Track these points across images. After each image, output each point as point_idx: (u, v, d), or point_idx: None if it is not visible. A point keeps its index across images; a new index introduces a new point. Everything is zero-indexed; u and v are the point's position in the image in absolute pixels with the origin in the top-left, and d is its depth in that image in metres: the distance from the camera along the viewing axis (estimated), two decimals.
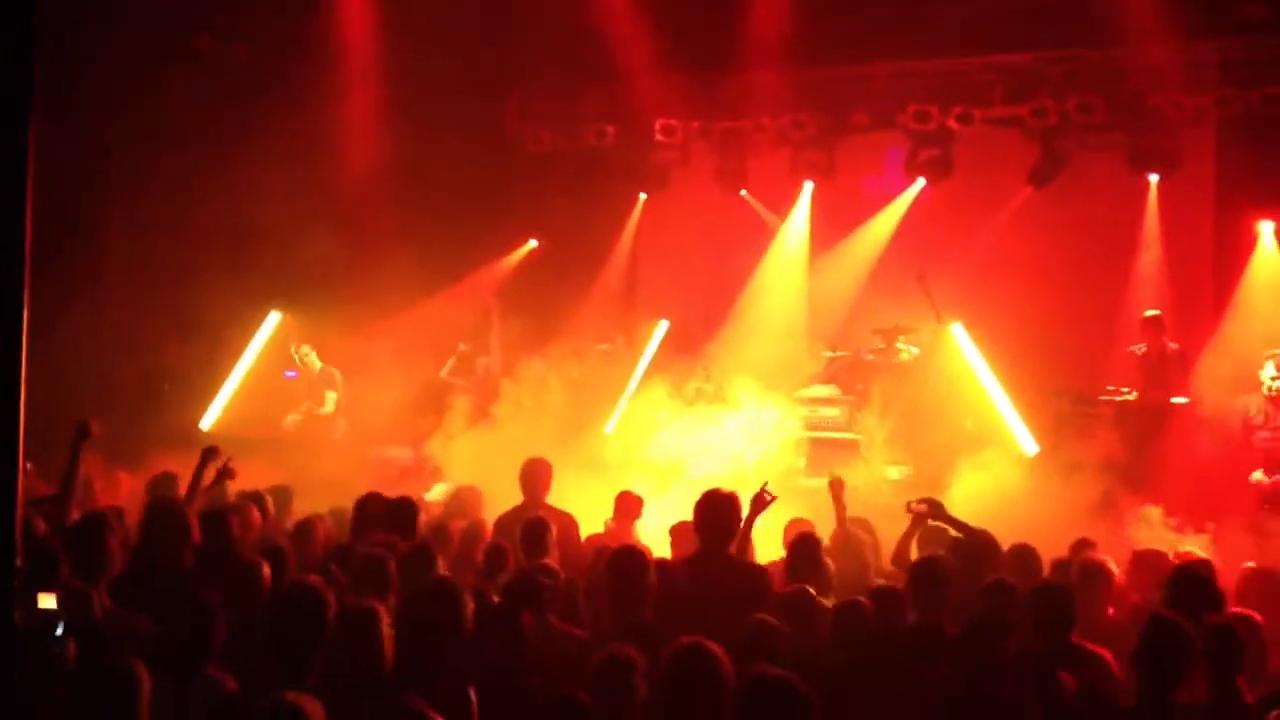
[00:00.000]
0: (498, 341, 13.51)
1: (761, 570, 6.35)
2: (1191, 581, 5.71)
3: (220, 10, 12.85)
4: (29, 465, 2.81)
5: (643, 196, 15.07)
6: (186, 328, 12.52)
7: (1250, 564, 6.74)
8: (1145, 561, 6.91)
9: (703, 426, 11.50)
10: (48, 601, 4.78)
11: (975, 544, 6.96)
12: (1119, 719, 4.78)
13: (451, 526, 7.69)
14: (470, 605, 4.82)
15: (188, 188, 12.57)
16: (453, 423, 12.09)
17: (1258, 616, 5.53)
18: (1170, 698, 4.67)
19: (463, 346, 13.84)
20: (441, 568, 6.00)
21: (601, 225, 14.86)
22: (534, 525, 6.89)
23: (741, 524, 6.45)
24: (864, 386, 12.26)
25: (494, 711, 4.63)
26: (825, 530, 7.64)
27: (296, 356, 13.24)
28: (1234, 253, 12.56)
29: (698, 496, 6.51)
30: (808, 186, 14.40)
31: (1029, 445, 11.89)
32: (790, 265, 14.45)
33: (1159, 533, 8.99)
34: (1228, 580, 6.37)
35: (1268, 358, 10.64)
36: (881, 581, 6.96)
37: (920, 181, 13.77)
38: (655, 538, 7.96)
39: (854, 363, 12.54)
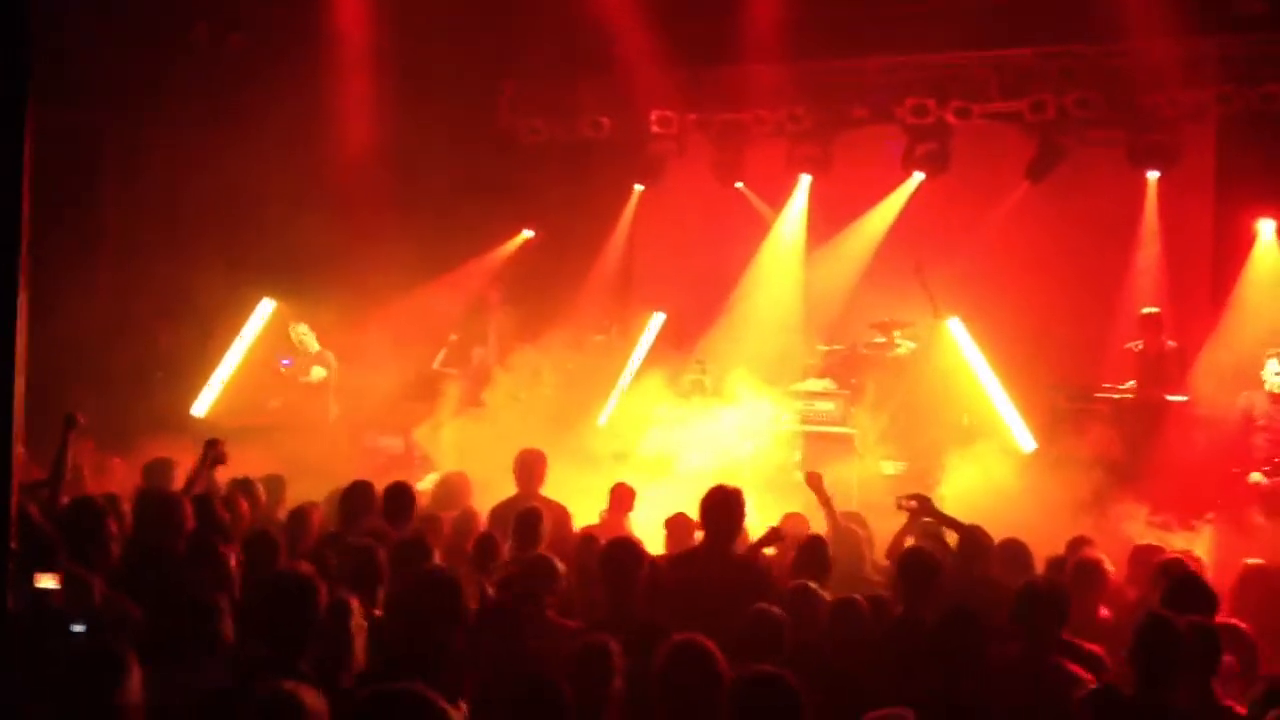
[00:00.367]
0: (495, 332, 13.44)
1: (763, 567, 6.33)
2: (1183, 581, 5.70)
3: None
4: (22, 451, 2.77)
5: (638, 188, 15.01)
6: (179, 314, 12.48)
7: (1250, 561, 6.71)
8: (1143, 557, 6.90)
9: (698, 419, 11.47)
10: (47, 581, 4.75)
11: (967, 540, 6.97)
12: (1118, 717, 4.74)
13: (443, 516, 7.67)
14: (470, 597, 4.81)
15: (182, 175, 12.54)
16: (445, 412, 12.07)
17: (1242, 624, 5.53)
18: (1167, 698, 4.62)
19: (453, 337, 13.80)
20: (434, 557, 5.97)
21: (597, 216, 14.80)
22: (527, 516, 6.88)
23: (741, 526, 6.44)
24: (859, 381, 12.24)
25: (489, 704, 4.60)
26: (817, 524, 7.64)
27: (294, 336, 13.18)
28: (1233, 250, 12.53)
29: (694, 490, 6.51)
30: (804, 180, 14.35)
31: (1025, 441, 11.88)
32: (786, 258, 14.41)
33: (1154, 530, 8.99)
34: (1223, 578, 6.36)
35: (1271, 355, 10.61)
36: (877, 577, 6.96)
37: (918, 175, 13.73)
38: (649, 530, 7.94)
39: (849, 357, 12.51)
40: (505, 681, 4.32)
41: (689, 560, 6.16)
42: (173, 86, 12.12)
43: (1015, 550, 6.82)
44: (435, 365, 13.48)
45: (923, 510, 7.43)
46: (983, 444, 10.74)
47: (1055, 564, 6.76)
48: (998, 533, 7.07)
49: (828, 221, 14.29)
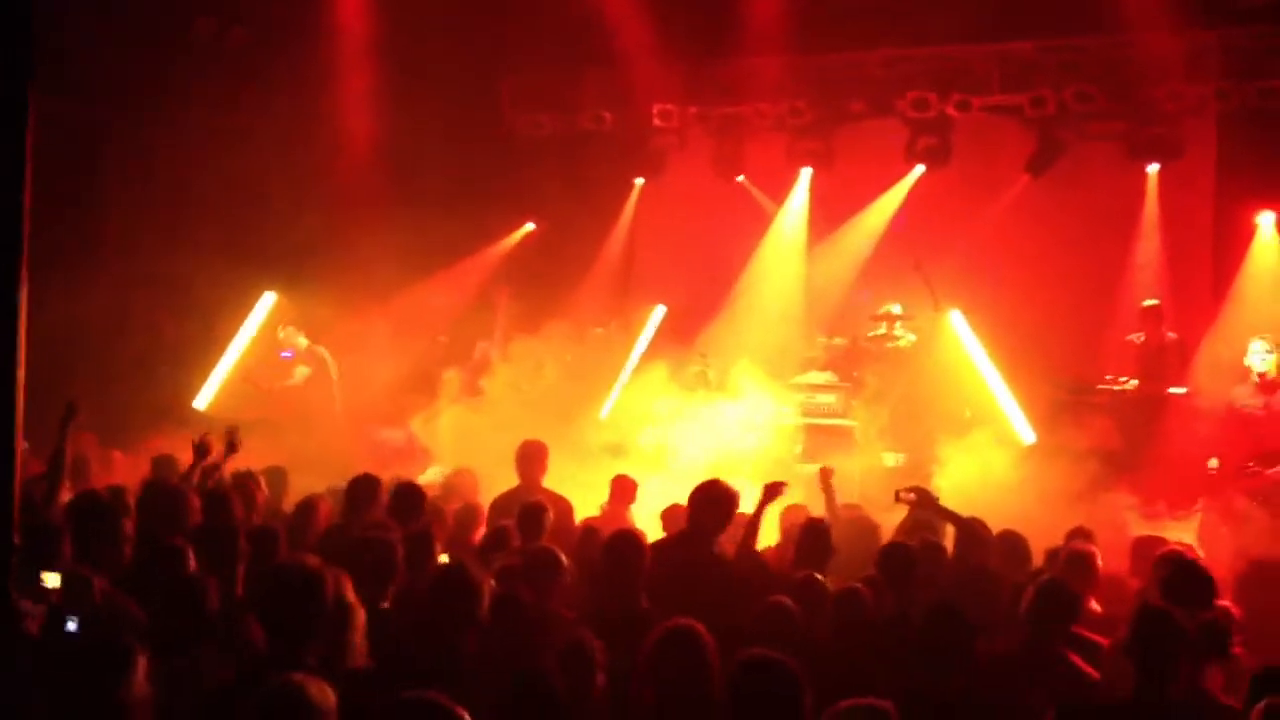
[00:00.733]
0: (501, 328, 13.42)
1: (737, 566, 6.32)
2: (1181, 571, 5.71)
3: None
4: (24, 444, 2.78)
5: (639, 181, 15.01)
6: (181, 308, 12.49)
7: (1251, 556, 6.72)
8: (1145, 549, 6.91)
9: (699, 412, 11.47)
10: (52, 580, 4.76)
11: (965, 532, 6.97)
12: (1113, 708, 4.74)
13: (446, 510, 7.68)
14: (487, 595, 4.83)
15: (183, 169, 12.55)
16: (446, 405, 12.07)
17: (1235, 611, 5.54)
18: (1166, 690, 4.61)
19: (442, 338, 13.77)
20: (438, 552, 5.99)
21: (598, 210, 14.80)
22: (531, 509, 6.90)
23: (752, 512, 6.45)
24: (860, 374, 12.24)
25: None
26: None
27: (282, 335, 13.19)
28: (1233, 243, 12.54)
29: (695, 482, 6.49)
30: (805, 173, 14.35)
31: (1026, 434, 11.88)
32: (787, 252, 14.41)
33: (1151, 521, 9.01)
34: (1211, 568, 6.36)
35: (1253, 340, 10.56)
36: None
37: (918, 169, 13.73)
38: (650, 522, 7.96)
39: (851, 350, 12.51)
40: (506, 674, 4.33)
41: (667, 548, 6.14)
42: (174, 81, 12.12)
43: (1014, 542, 6.84)
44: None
45: (921, 503, 7.43)
46: (983, 436, 10.73)
47: (1053, 556, 6.76)
48: (997, 525, 7.09)
49: (829, 215, 14.29)
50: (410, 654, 4.55)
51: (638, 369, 13.18)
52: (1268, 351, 10.36)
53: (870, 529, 7.39)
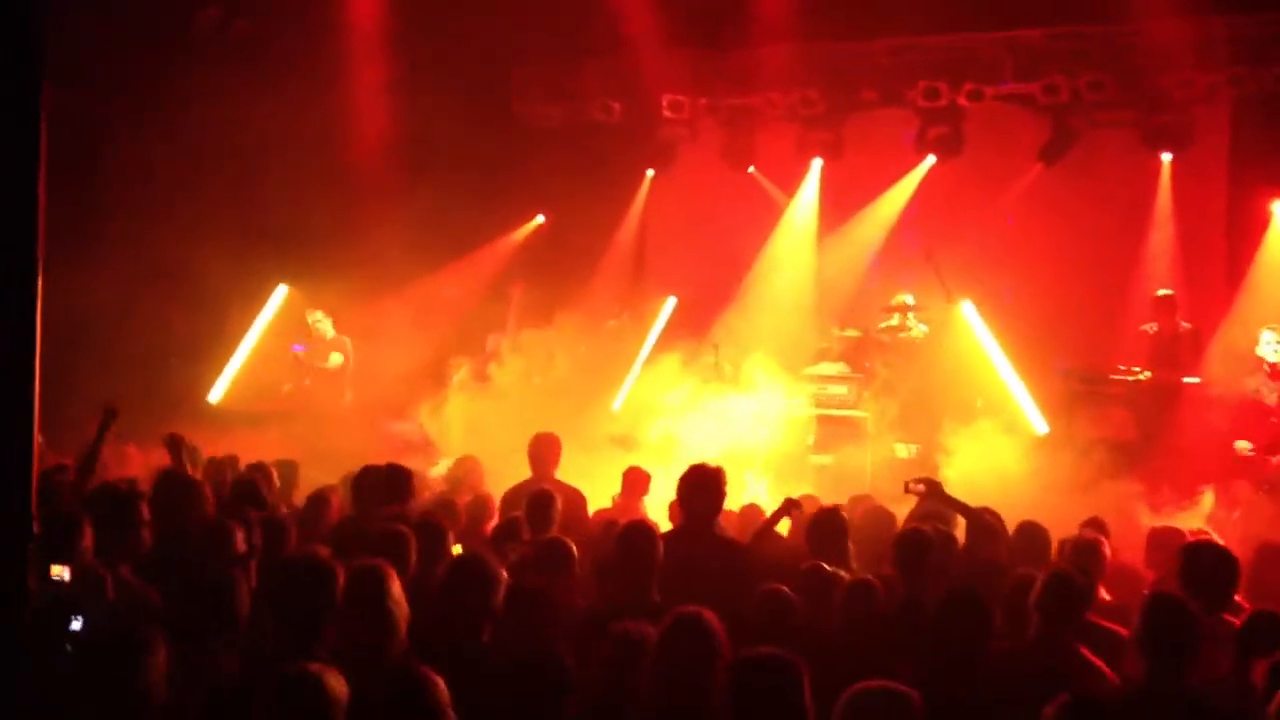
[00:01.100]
0: (514, 323, 13.42)
1: (742, 549, 6.30)
2: (1202, 560, 5.68)
3: None
4: (40, 438, 2.79)
5: (650, 173, 15.00)
6: (193, 300, 12.51)
7: (1268, 542, 6.70)
8: (1161, 539, 6.88)
9: (713, 403, 11.46)
10: (60, 573, 4.77)
11: (975, 523, 6.95)
12: (1125, 702, 4.70)
13: (458, 502, 7.69)
14: (502, 585, 4.83)
15: (193, 160, 12.54)
16: (454, 395, 12.08)
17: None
18: (1177, 678, 4.56)
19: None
20: (452, 543, 5.99)
21: (609, 201, 14.78)
22: (539, 499, 6.87)
23: (720, 506, 6.39)
24: (872, 365, 12.21)
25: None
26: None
27: (310, 321, 13.23)
28: (1247, 232, 12.48)
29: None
30: (816, 163, 14.32)
31: (1039, 424, 11.85)
32: (798, 242, 14.38)
33: (1164, 511, 8.98)
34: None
35: (1266, 328, 10.53)
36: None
37: (930, 159, 13.69)
38: (661, 513, 7.95)
39: (863, 341, 12.48)
40: (519, 660, 4.33)
41: (667, 542, 6.11)
42: (180, 73, 12.13)
43: (1033, 532, 6.80)
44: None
45: (932, 494, 7.40)
46: (995, 427, 10.71)
47: (1065, 545, 6.74)
48: (1010, 515, 7.06)
49: (840, 205, 14.25)
50: (425, 645, 4.55)
51: (649, 361, 13.18)
52: (1279, 342, 10.34)
53: (887, 518, 7.36)
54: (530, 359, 12.44)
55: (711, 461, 6.43)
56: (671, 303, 14.26)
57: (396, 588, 4.51)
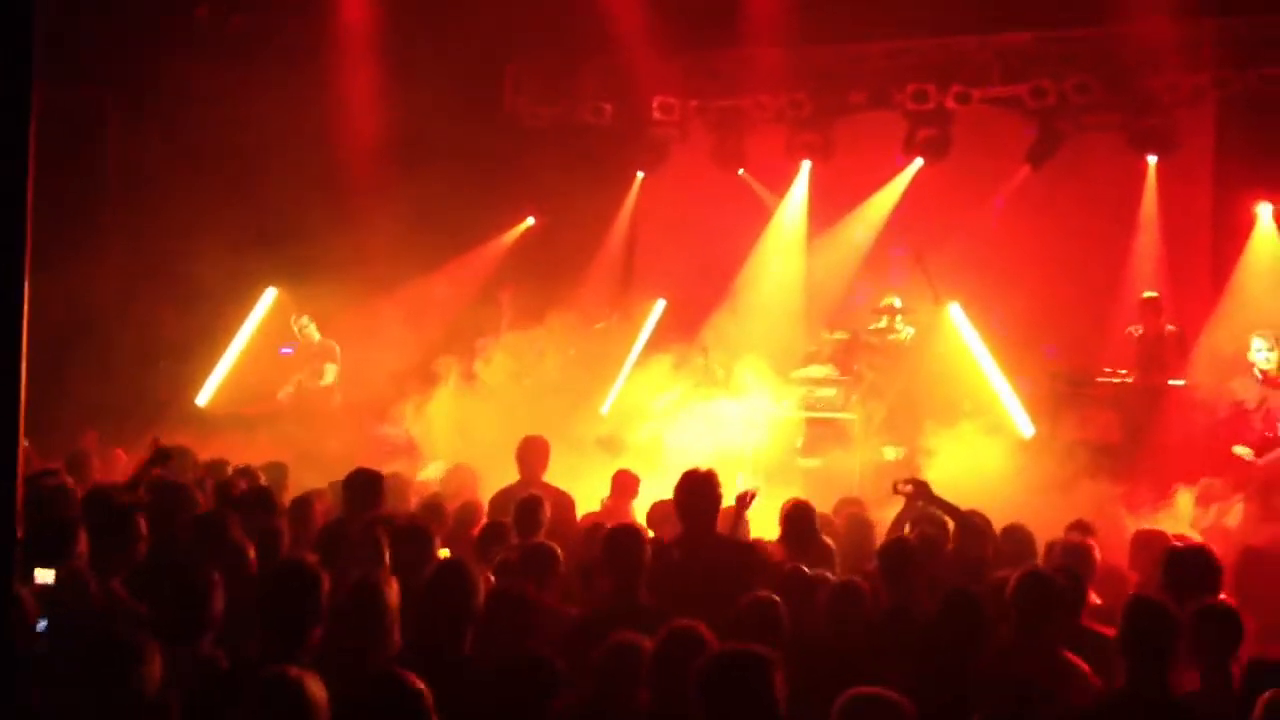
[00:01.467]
0: (506, 325, 13.41)
1: (752, 547, 6.33)
2: (1187, 563, 5.70)
3: None
4: (25, 442, 2.80)
5: (640, 174, 15.01)
6: (182, 301, 12.50)
7: (1250, 545, 6.73)
8: (1144, 542, 6.91)
9: (702, 406, 11.47)
10: (45, 577, 4.78)
11: (962, 525, 6.97)
12: (1105, 705, 4.71)
13: (446, 506, 7.69)
14: (482, 587, 4.85)
15: (184, 160, 12.54)
16: (440, 395, 12.07)
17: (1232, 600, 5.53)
18: (1159, 682, 4.56)
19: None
20: (438, 547, 6.00)
21: (599, 203, 14.78)
22: (528, 503, 6.88)
23: (732, 517, 6.41)
24: (860, 367, 12.24)
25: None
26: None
27: (295, 328, 13.23)
28: (1232, 234, 12.52)
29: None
30: (805, 166, 14.35)
31: (1025, 427, 11.89)
32: (788, 245, 14.41)
33: (1148, 514, 9.02)
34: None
35: (1255, 335, 10.56)
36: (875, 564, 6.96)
37: (918, 161, 13.73)
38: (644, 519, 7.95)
39: (851, 343, 12.51)
40: (503, 663, 4.35)
41: (673, 547, 6.12)
42: (175, 69, 12.12)
43: (1019, 535, 6.83)
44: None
45: (920, 495, 7.41)
46: (982, 429, 10.74)
47: (1051, 548, 6.76)
48: (997, 517, 7.08)
49: (829, 207, 14.28)
50: (408, 648, 4.58)
51: (639, 363, 13.19)
52: (1269, 349, 10.37)
53: (866, 526, 7.38)
54: (520, 360, 12.45)
55: (702, 465, 6.43)
56: (661, 305, 14.27)
57: (393, 597, 4.54)
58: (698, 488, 6.17)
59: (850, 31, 13.27)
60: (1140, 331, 11.58)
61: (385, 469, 7.84)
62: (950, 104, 13.13)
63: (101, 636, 4.05)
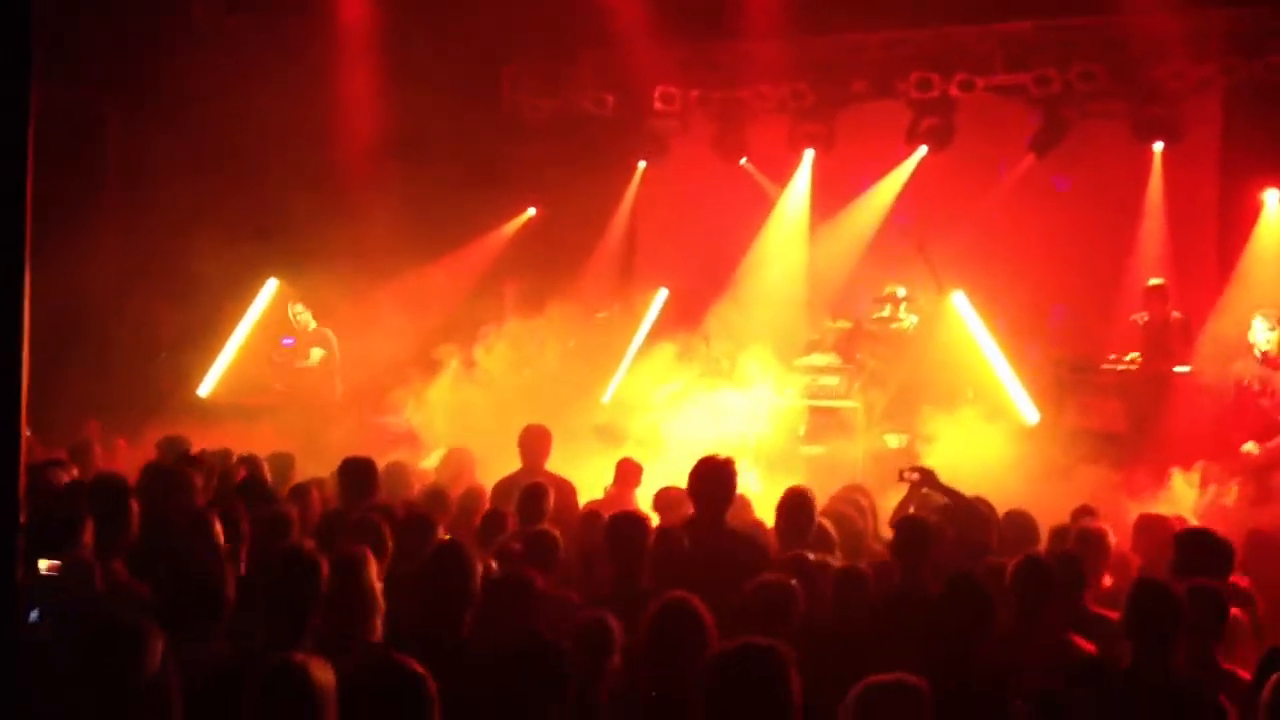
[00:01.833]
0: (508, 317, 13.40)
1: (762, 535, 6.32)
2: (1198, 546, 5.69)
3: None
4: (27, 432, 2.79)
5: (642, 165, 14.98)
6: (182, 292, 12.51)
7: (1255, 528, 6.72)
8: (1148, 526, 6.90)
9: (705, 394, 11.46)
10: (48, 566, 4.77)
11: (967, 511, 6.95)
12: (1114, 683, 4.70)
13: (449, 493, 7.69)
14: (480, 571, 4.83)
15: (184, 154, 12.53)
16: (448, 389, 12.07)
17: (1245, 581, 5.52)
18: (1163, 664, 4.57)
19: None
20: (441, 533, 5.99)
21: (600, 193, 14.75)
22: (532, 490, 6.90)
23: (732, 496, 6.39)
24: (863, 355, 12.22)
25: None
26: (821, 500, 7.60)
27: (291, 315, 13.23)
28: (1238, 221, 12.50)
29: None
30: (808, 155, 14.31)
31: (1030, 414, 11.86)
32: (790, 234, 14.37)
33: (1138, 497, 9.01)
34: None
35: (1257, 315, 10.52)
36: (878, 546, 6.96)
37: (922, 150, 13.69)
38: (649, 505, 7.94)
39: (855, 332, 12.48)
40: (506, 650, 4.33)
41: (679, 535, 6.10)
42: (174, 65, 12.11)
43: (1021, 521, 6.83)
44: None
45: (925, 482, 7.41)
46: (986, 417, 10.72)
47: (1059, 534, 6.75)
48: (1001, 504, 7.07)
49: (832, 197, 14.25)
50: (408, 634, 4.57)
51: (640, 353, 13.18)
52: (1270, 329, 10.34)
53: (868, 513, 7.36)
54: (521, 350, 12.43)
55: (720, 453, 6.42)
56: (663, 294, 14.25)
57: (372, 573, 4.53)
58: (714, 474, 6.16)
59: (852, 21, 13.23)
60: (1146, 319, 11.55)
61: (387, 458, 7.83)
62: (954, 92, 13.08)
63: (105, 623, 4.05)
